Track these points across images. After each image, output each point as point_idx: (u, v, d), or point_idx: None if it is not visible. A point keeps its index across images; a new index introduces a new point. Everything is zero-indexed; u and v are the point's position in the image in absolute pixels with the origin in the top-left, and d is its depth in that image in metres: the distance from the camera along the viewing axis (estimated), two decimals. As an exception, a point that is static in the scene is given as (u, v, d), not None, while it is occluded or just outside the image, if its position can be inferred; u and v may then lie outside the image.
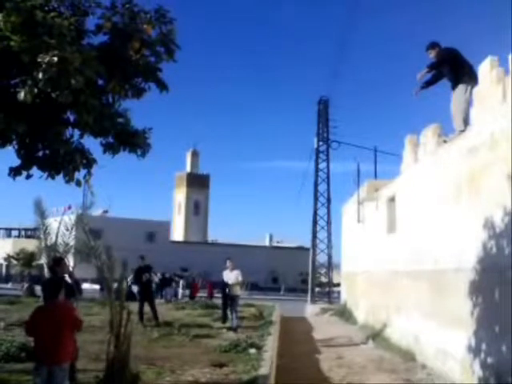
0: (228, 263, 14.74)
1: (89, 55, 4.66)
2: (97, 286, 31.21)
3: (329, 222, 31.64)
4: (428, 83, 9.61)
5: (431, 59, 9.38)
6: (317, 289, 31.52)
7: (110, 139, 5.61)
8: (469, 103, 8.87)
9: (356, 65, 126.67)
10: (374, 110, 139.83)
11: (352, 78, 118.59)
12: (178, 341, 11.56)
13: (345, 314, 20.59)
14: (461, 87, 9.00)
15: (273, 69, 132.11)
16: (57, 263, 7.30)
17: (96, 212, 43.26)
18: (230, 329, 13.62)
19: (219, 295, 18.24)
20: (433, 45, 9.36)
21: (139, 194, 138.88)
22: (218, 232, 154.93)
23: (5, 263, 52.80)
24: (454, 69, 9.12)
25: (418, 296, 10.68)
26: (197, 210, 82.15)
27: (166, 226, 67.72)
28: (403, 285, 11.90)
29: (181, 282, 32.71)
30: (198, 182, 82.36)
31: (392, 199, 13.73)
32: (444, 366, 8.98)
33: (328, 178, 32.06)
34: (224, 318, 15.11)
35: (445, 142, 10.02)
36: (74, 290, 7.18)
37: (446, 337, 8.98)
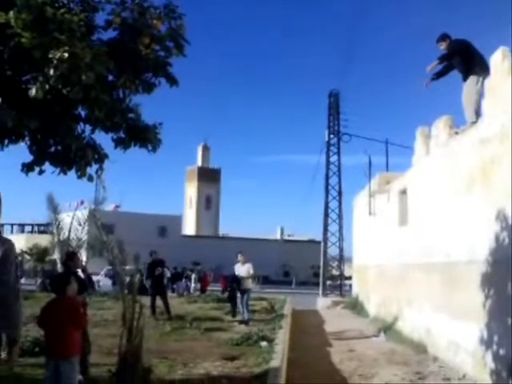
0: (239, 257, 14.79)
1: (99, 51, 4.68)
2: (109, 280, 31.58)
3: (340, 215, 31.55)
4: (439, 74, 9.54)
5: (442, 51, 9.31)
6: (328, 282, 31.47)
7: (121, 134, 5.63)
8: (480, 94, 8.80)
9: (366, 57, 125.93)
10: (385, 102, 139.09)
11: (363, 71, 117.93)
12: (190, 334, 11.64)
13: (356, 307, 20.58)
14: (472, 78, 8.92)
15: (283, 62, 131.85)
16: (70, 257, 7.37)
17: (108, 207, 43.56)
18: (241, 322, 13.69)
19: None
20: (443, 36, 9.29)
21: (150, 189, 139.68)
22: (230, 226, 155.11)
23: (18, 258, 53.34)
24: (465, 60, 9.04)
25: (430, 289, 10.65)
26: (208, 204, 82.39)
27: (177, 221, 67.98)
28: (415, 277, 11.87)
29: (193, 275, 32.90)
30: (209, 176, 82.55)
31: (404, 192, 13.66)
32: (456, 358, 8.96)
33: (339, 171, 31.91)
34: (233, 312, 15.13)
35: (457, 133, 9.95)
36: (87, 284, 7.25)
37: (457, 329, 8.96)
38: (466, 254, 8.72)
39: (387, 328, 13.50)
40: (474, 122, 8.83)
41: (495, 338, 7.53)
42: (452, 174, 9.71)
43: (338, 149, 31.95)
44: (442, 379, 8.33)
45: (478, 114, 8.85)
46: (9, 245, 4.16)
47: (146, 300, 11.50)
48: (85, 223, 11.82)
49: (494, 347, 7.53)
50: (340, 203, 31.60)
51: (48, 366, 5.22)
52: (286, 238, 77.71)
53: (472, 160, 8.70)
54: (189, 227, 78.17)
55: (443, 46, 9.27)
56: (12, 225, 75.93)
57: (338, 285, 31.44)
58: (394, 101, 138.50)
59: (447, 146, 10.21)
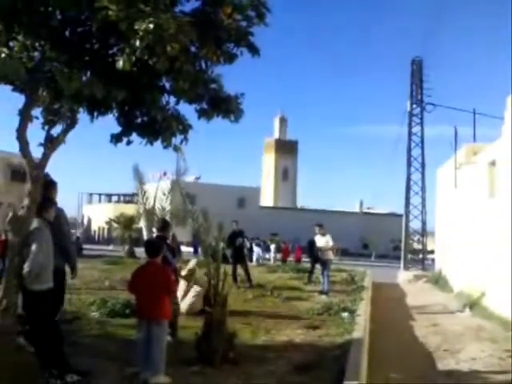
0: (317, 230, 14.80)
1: (182, 21, 4.70)
2: (191, 249, 32.72)
3: (423, 188, 30.65)
4: None
5: None
6: (409, 256, 30.84)
7: (204, 105, 5.69)
8: None
9: (453, 22, 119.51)
10: (473, 69, 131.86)
11: (448, 36, 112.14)
12: (271, 302, 11.83)
13: (439, 282, 20.03)
14: None
15: (362, 29, 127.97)
16: (166, 226, 7.64)
17: (189, 178, 44.73)
18: (321, 292, 13.74)
19: (307, 260, 18.86)
20: None
21: (228, 160, 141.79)
22: (306, 198, 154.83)
23: (106, 227, 56.13)
24: None
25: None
26: (285, 176, 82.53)
27: (256, 192, 68.69)
28: (504, 252, 11.31)
29: (272, 246, 33.40)
30: (286, 148, 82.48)
31: (493, 163, 13.00)
32: (549, 337, 8.50)
33: (422, 142, 30.89)
34: (309, 278, 16.41)
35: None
36: (175, 252, 7.54)
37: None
38: None
39: (473, 303, 13.03)
40: None
41: None
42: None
43: (421, 119, 30.89)
44: (533, 358, 7.93)
45: None
46: (60, 213, 5.94)
47: (227, 268, 11.76)
48: (169, 193, 12.18)
49: None
50: (423, 175, 30.69)
51: (140, 328, 5.49)
52: (365, 210, 76.52)
53: None
54: (266, 199, 78.78)
55: None
56: (100, 195, 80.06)
57: (420, 259, 30.76)
58: (483, 68, 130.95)
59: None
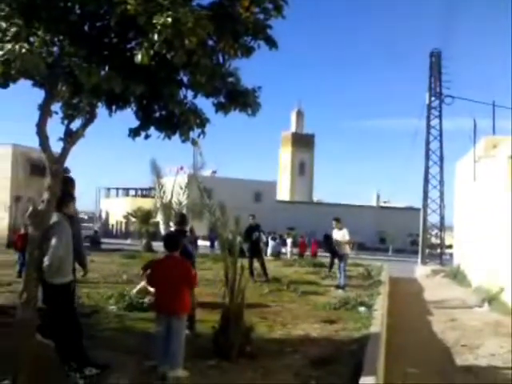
0: (334, 224, 14.73)
1: (200, 15, 4.70)
2: (207, 243, 32.86)
3: (441, 182, 30.37)
4: None
5: None
6: (427, 250, 30.60)
7: (222, 99, 5.68)
8: None
9: (470, 12, 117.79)
10: (493, 60, 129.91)
11: (467, 27, 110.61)
12: (287, 296, 11.83)
13: (457, 277, 19.83)
14: None
15: (379, 22, 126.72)
16: (183, 219, 7.69)
17: (205, 172, 44.80)
18: (338, 287, 13.69)
19: (324, 254, 18.97)
20: None
21: (245, 153, 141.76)
22: (323, 192, 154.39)
23: (124, 221, 56.52)
24: None
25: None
26: (302, 170, 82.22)
27: (272, 186, 68.59)
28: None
29: (288, 240, 33.38)
30: (303, 142, 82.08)
31: (513, 156, 12.80)
32: None
33: (441, 135, 30.60)
34: (329, 271, 16.98)
35: None
36: (193, 245, 7.58)
37: None
38: None
39: (492, 298, 12.89)
40: None
41: None
42: None
43: (440, 112, 30.58)
44: (553, 354, 7.82)
45: None
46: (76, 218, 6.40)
47: (243, 262, 11.80)
48: (185, 187, 12.24)
49: None
50: (441, 169, 30.42)
51: (159, 322, 5.51)
52: (382, 204, 76.02)
53: None
54: (283, 193, 78.61)
55: None
56: (117, 189, 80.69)
57: (438, 253, 30.53)
58: (503, 60, 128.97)
59: None
